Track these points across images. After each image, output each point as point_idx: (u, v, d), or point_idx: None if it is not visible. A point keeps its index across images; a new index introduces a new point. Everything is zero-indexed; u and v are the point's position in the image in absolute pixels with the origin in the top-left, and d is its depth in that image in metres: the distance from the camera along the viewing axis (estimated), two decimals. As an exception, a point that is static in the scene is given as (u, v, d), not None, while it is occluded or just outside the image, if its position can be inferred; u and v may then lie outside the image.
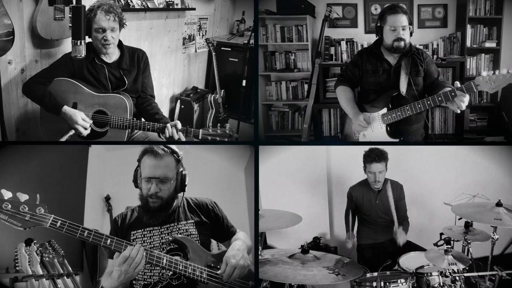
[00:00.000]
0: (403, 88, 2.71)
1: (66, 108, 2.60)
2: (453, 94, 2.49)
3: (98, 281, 2.69)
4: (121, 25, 2.71)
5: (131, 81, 2.81)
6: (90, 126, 2.65)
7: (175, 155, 2.12)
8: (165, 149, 2.10)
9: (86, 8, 2.61)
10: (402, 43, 2.70)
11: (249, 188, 3.05)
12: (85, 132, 2.63)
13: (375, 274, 2.41)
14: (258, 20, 4.08)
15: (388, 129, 2.77)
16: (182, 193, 2.17)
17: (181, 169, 2.14)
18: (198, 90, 4.45)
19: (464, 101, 2.47)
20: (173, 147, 2.14)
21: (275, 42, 4.33)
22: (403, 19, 2.67)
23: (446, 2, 4.16)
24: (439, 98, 2.54)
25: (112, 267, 2.09)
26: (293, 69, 4.37)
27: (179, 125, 2.65)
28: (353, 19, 4.29)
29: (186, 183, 2.15)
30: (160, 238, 2.10)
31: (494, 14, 3.96)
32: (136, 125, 2.69)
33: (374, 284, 2.35)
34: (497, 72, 2.42)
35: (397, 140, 2.80)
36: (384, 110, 2.75)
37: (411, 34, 2.73)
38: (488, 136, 3.94)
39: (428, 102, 2.58)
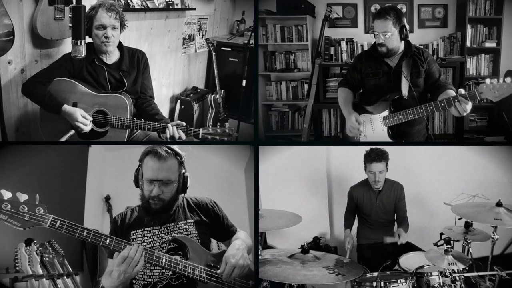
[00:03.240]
0: (404, 90, 2.70)
1: (66, 107, 2.60)
2: (456, 100, 2.47)
3: (98, 281, 2.69)
4: (122, 25, 2.71)
5: (130, 82, 2.81)
6: (90, 122, 2.65)
7: (178, 157, 2.11)
8: (168, 150, 2.08)
9: (87, 8, 2.61)
10: (384, 48, 2.70)
11: (249, 188, 3.05)
12: (86, 128, 2.63)
13: (375, 274, 2.41)
14: (258, 20, 4.08)
15: (390, 131, 2.76)
16: (182, 194, 2.17)
17: (183, 171, 2.13)
18: (198, 90, 4.45)
19: (466, 108, 2.46)
20: (176, 148, 2.12)
21: (275, 42, 4.33)
22: (383, 25, 2.64)
23: (446, 2, 4.16)
24: (442, 104, 2.52)
25: (112, 266, 2.09)
26: (293, 69, 4.37)
27: (182, 126, 2.64)
28: (353, 19, 4.29)
29: (187, 185, 2.15)
30: (160, 238, 2.10)
31: (494, 14, 3.95)
32: (137, 124, 2.69)
33: (374, 284, 2.35)
34: (501, 80, 2.40)
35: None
36: (386, 113, 2.74)
37: (406, 37, 2.71)
38: (488, 136, 3.94)
39: (431, 108, 2.57)
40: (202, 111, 4.33)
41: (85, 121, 2.62)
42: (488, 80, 2.42)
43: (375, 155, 2.84)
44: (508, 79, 2.40)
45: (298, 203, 3.27)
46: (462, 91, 2.49)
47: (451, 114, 4.11)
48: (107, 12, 2.61)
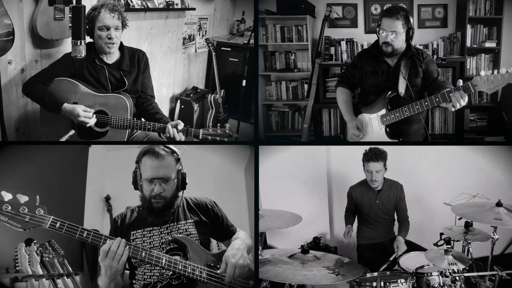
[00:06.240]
0: (401, 89, 2.72)
1: (66, 105, 2.59)
2: (450, 94, 2.48)
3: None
4: (124, 25, 2.71)
5: (131, 82, 2.81)
6: (93, 115, 2.63)
7: (174, 154, 2.13)
8: (165, 149, 2.10)
9: (89, 8, 2.61)
10: (389, 48, 2.70)
11: (249, 188, 3.05)
12: (90, 122, 2.62)
13: (375, 274, 2.41)
14: (258, 20, 4.08)
15: (388, 130, 2.77)
16: (182, 191, 2.18)
17: (180, 167, 2.15)
18: (198, 90, 4.45)
19: (463, 99, 2.45)
20: (172, 146, 2.15)
21: (275, 42, 4.32)
22: (394, 24, 2.64)
23: (446, 2, 4.16)
24: (437, 99, 2.53)
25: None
26: (293, 69, 4.36)
27: (181, 126, 2.64)
28: (353, 19, 4.29)
29: (186, 181, 2.16)
30: (160, 238, 2.10)
31: (494, 14, 3.95)
32: (137, 125, 2.69)
33: (374, 284, 2.35)
34: (495, 72, 2.40)
35: (397, 140, 2.81)
36: (383, 111, 2.75)
37: (411, 38, 2.72)
38: (488, 136, 3.94)
39: (426, 103, 2.58)
40: (202, 111, 4.33)
41: (87, 114, 2.60)
42: (482, 73, 2.42)
43: (372, 154, 2.84)
44: (502, 70, 2.39)
45: (298, 203, 3.27)
46: (461, 81, 2.48)
47: (451, 114, 4.12)
48: (110, 13, 2.60)
